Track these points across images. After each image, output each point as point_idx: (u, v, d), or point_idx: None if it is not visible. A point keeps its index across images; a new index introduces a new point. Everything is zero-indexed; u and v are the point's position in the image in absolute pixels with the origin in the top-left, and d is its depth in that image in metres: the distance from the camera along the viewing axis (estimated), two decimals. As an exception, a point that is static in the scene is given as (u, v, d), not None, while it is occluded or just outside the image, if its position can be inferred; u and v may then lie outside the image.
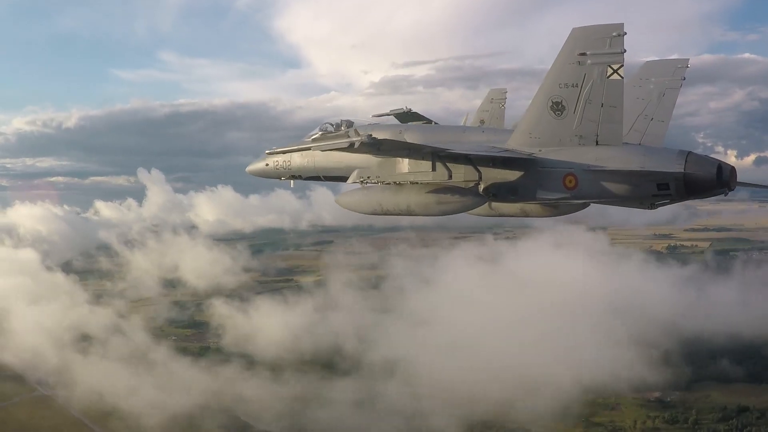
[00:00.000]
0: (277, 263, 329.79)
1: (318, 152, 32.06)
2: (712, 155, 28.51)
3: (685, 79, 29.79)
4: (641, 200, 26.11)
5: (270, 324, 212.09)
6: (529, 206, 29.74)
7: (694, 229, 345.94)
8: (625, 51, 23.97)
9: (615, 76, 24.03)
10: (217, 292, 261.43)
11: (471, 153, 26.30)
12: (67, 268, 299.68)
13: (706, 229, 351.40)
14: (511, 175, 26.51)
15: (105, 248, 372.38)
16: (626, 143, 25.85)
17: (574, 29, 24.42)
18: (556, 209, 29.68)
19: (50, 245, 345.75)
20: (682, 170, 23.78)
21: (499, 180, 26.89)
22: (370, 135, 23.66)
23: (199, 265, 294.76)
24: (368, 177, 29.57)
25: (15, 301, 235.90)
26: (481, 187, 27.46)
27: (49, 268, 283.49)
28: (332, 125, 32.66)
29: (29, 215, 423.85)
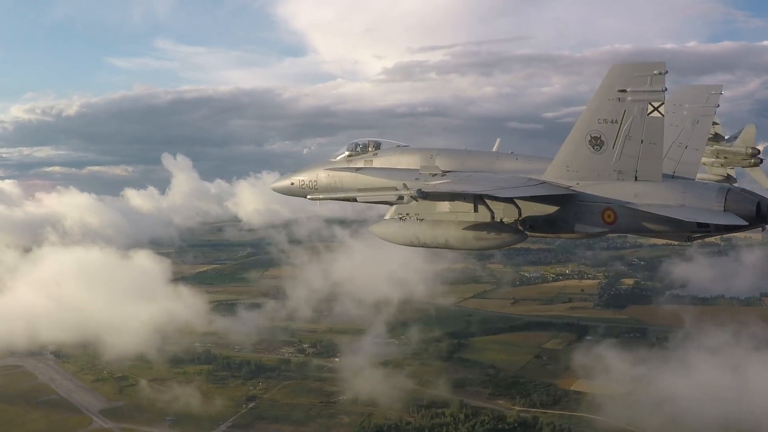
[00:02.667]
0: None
1: (346, 174, 32.81)
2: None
3: (719, 105, 29.68)
4: (679, 235, 26.34)
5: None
6: None
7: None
8: (665, 89, 24.11)
9: (655, 114, 24.19)
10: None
11: (516, 196, 26.48)
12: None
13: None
14: (550, 210, 26.86)
15: (169, 243, 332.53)
16: (665, 177, 25.92)
17: (614, 66, 24.62)
18: None
19: (107, 240, 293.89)
20: (722, 209, 23.91)
21: (537, 214, 27.26)
22: (420, 189, 24.07)
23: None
24: (407, 214, 29.33)
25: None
26: (519, 221, 27.79)
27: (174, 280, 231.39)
28: (359, 145, 33.47)
29: (72, 204, 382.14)
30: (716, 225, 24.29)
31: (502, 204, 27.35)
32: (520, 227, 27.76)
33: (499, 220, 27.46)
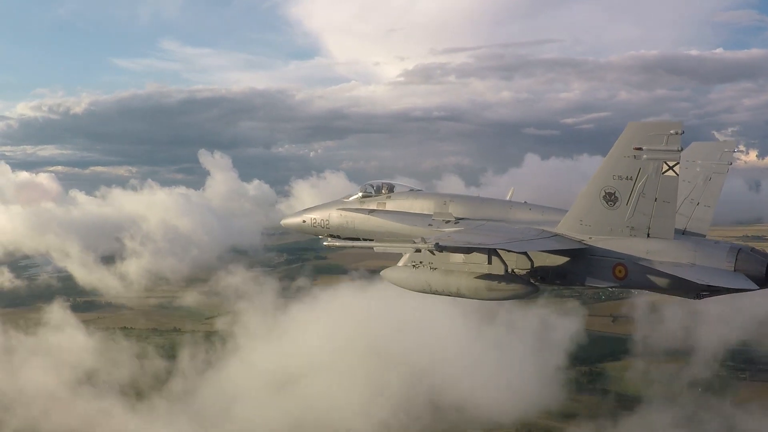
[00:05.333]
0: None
1: (359, 215, 33.26)
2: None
3: (731, 163, 29.11)
4: (687, 292, 26.27)
5: None
6: None
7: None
8: (681, 149, 24.28)
9: (670, 173, 24.45)
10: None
11: (530, 249, 26.80)
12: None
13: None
14: (562, 262, 27.16)
15: (256, 251, 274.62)
16: (676, 233, 25.85)
17: (630, 124, 24.94)
18: None
19: (203, 250, 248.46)
20: (733, 268, 23.96)
21: (549, 265, 27.55)
22: (437, 243, 23.94)
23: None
24: (420, 262, 29.23)
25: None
26: (530, 272, 27.99)
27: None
28: (372, 187, 34.04)
29: (148, 203, 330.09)
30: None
31: (515, 255, 27.68)
32: (531, 279, 28.01)
33: (511, 271, 27.83)
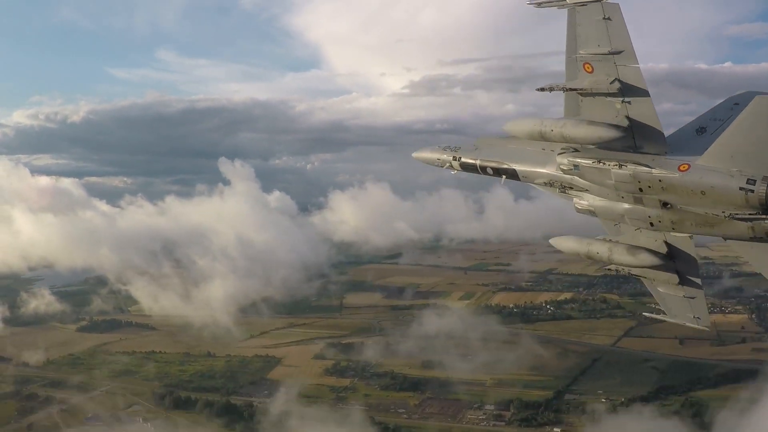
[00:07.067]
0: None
1: (497, 140, 36.87)
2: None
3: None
4: (729, 199, 28.76)
5: None
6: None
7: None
8: None
9: None
10: None
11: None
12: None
13: None
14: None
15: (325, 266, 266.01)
16: None
17: (758, 97, 27.83)
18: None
19: (293, 268, 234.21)
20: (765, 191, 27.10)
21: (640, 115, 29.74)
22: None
23: None
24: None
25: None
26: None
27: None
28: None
29: (202, 211, 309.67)
30: (760, 188, 27.05)
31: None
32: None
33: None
